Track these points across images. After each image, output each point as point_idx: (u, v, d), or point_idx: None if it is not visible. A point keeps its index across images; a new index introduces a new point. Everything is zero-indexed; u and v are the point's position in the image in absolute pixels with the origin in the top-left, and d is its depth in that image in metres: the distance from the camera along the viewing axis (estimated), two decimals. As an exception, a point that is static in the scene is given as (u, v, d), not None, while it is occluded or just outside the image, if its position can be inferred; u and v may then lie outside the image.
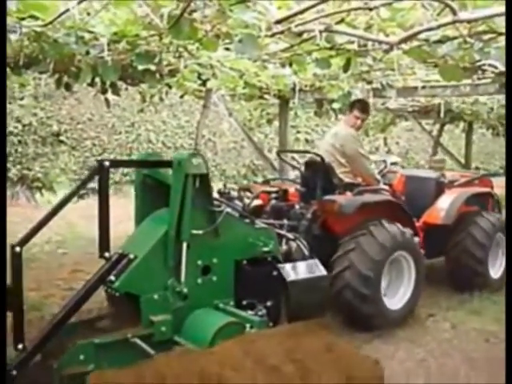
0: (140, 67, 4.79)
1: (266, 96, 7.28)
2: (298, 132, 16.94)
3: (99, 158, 14.04)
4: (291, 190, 6.05)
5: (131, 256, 3.76)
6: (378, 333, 5.17)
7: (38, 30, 3.47)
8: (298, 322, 4.03)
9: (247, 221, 4.31)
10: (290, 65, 4.69)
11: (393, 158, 7.08)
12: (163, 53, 4.23)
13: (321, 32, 3.09)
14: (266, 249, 4.21)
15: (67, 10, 2.97)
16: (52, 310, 5.81)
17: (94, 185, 12.71)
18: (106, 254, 3.65)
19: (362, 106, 5.96)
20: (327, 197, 5.31)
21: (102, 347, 3.54)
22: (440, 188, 6.51)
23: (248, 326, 3.83)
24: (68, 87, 6.82)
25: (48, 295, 6.40)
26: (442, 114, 9.35)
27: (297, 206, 5.61)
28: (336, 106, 9.27)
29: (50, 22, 3.14)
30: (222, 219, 3.96)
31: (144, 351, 3.56)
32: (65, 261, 8.11)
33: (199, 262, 3.96)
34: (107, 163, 3.69)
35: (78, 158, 14.05)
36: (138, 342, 3.62)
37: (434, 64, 5.30)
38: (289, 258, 4.73)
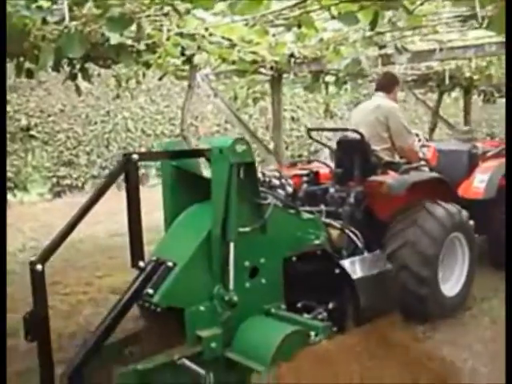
0: (113, 40, 3.88)
1: (262, 69, 6.42)
2: (284, 110, 16.11)
3: (74, 151, 13.24)
4: (322, 171, 5.52)
5: (169, 263, 3.31)
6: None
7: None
8: (366, 323, 3.68)
9: (293, 211, 3.81)
10: (299, 26, 3.83)
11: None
12: (142, 16, 3.32)
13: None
14: (317, 242, 3.81)
15: None
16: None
17: (69, 181, 11.77)
18: (141, 264, 3.22)
19: (398, 82, 5.76)
20: (373, 177, 4.91)
21: (147, 374, 3.07)
22: (474, 160, 6.10)
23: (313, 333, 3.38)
24: (30, 74, 5.87)
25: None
26: (447, 81, 8.66)
27: (331, 189, 5.13)
28: (330, 79, 8.53)
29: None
30: (270, 213, 3.52)
31: (194, 373, 3.12)
32: (42, 271, 7.22)
33: (246, 264, 3.50)
34: (136, 156, 3.19)
35: (52, 153, 13.04)
36: (187, 363, 3.13)
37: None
38: (337, 249, 4.35)
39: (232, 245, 3.33)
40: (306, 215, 3.95)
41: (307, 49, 5.77)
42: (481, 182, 5.73)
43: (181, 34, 4.68)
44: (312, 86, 8.57)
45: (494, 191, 5.60)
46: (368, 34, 4.94)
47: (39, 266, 2.83)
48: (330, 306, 3.76)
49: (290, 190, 4.88)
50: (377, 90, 5.66)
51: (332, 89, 9.48)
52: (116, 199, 7.05)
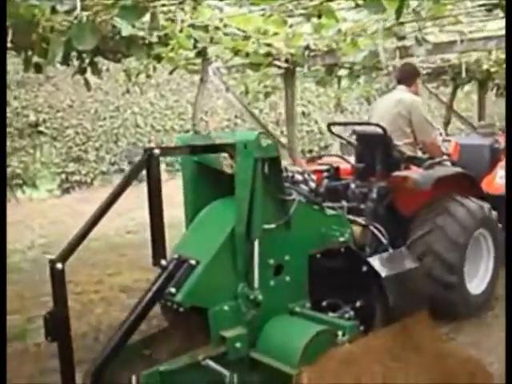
0: (125, 32, 3.72)
1: (276, 62, 6.23)
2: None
3: (83, 147, 13.10)
4: (343, 166, 5.41)
5: (192, 261, 3.23)
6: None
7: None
8: (394, 323, 3.58)
9: (317, 207, 3.73)
10: (319, 16, 3.65)
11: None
12: (157, 5, 3.15)
13: None
14: (342, 239, 3.73)
15: None
16: (37, 338, 4.86)
17: (78, 177, 11.60)
18: (163, 262, 3.13)
19: (419, 74, 5.67)
20: (397, 173, 4.81)
21: (170, 375, 2.98)
22: (496, 155, 6.04)
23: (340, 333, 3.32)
24: (39, 69, 5.73)
25: (32, 317, 5.40)
26: (463, 74, 8.44)
27: (352, 185, 5.04)
28: (342, 72, 8.34)
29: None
30: (295, 209, 3.43)
31: (217, 374, 3.05)
32: (51, 269, 7.07)
33: (271, 261, 3.42)
34: (157, 151, 3.07)
35: (61, 149, 12.86)
36: (211, 364, 3.07)
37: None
38: (359, 246, 4.25)
39: (257, 242, 3.25)
40: (330, 211, 3.87)
41: (323, 40, 5.58)
42: (502, 178, 5.60)
43: (193, 26, 4.53)
44: (324, 80, 8.39)
45: None
46: (388, 24, 4.76)
47: (59, 265, 2.76)
48: (357, 304, 3.67)
49: (312, 185, 4.74)
50: (398, 82, 5.51)
51: (344, 83, 9.32)
52: (127, 196, 6.89)
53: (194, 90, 14.02)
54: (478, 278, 5.05)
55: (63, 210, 10.95)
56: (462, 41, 5.66)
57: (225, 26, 4.32)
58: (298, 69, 7.54)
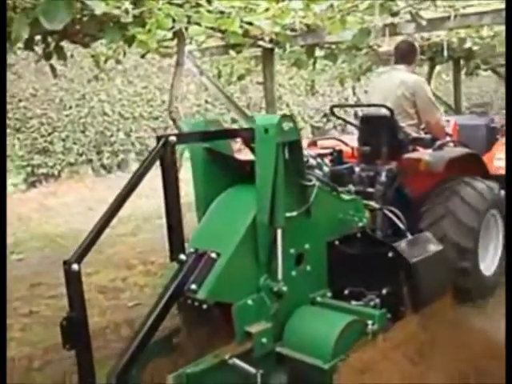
0: (98, 10, 3.30)
1: (261, 42, 5.85)
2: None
3: (48, 138, 12.55)
4: (345, 149, 5.31)
5: (212, 254, 3.11)
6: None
7: None
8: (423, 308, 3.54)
9: (334, 193, 3.68)
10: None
11: None
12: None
13: None
14: (360, 224, 3.71)
15: None
16: (9, 353, 4.43)
17: (45, 170, 10.98)
18: (182, 257, 3.01)
19: (417, 51, 5.43)
20: (408, 155, 4.78)
21: (197, 377, 2.87)
22: (493, 134, 6.06)
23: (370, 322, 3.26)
24: None
25: (4, 327, 4.93)
26: (445, 52, 8.19)
27: (357, 168, 4.94)
28: (319, 53, 8.03)
29: None
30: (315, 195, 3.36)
31: (243, 372, 2.96)
32: (21, 271, 6.60)
33: (292, 251, 3.35)
34: (173, 139, 2.91)
35: (25, 141, 12.27)
36: (238, 362, 2.97)
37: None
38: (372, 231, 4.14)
39: (280, 231, 3.15)
40: (347, 197, 3.83)
41: (309, 18, 5.22)
42: (500, 160, 5.48)
43: (170, 3, 4.15)
44: (301, 61, 8.05)
45: None
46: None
47: (75, 266, 2.57)
48: (384, 291, 3.57)
49: (326, 170, 4.61)
50: (396, 62, 5.27)
51: (319, 64, 9.02)
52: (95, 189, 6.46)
53: (163, 76, 13.64)
54: (489, 259, 4.99)
55: (31, 204, 10.50)
56: (455, 16, 5.39)
57: (208, 1, 3.94)
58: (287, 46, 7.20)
